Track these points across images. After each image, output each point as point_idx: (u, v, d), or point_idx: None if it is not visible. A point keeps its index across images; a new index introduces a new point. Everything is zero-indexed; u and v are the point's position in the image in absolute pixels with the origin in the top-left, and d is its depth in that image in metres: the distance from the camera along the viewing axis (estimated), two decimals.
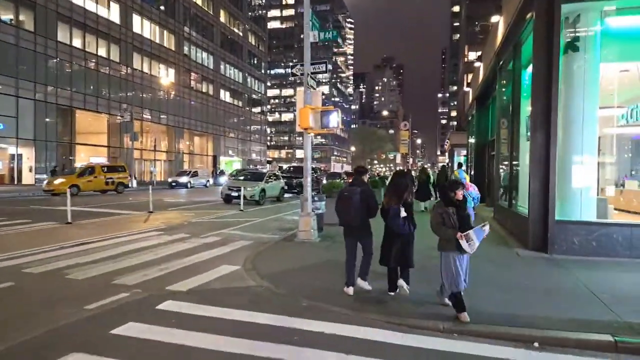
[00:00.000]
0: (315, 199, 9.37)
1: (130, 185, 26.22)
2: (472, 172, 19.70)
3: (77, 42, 32.47)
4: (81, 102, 32.99)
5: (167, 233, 9.80)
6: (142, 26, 39.35)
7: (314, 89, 8.97)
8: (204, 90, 49.77)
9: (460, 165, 14.90)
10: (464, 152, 37.91)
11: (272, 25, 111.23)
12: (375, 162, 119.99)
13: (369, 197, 5.20)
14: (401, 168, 45.09)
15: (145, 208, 14.41)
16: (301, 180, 23.67)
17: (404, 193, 4.98)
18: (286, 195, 22.72)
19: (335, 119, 8.52)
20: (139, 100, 39.06)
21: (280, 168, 32.08)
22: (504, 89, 12.37)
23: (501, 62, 12.15)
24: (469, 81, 48.59)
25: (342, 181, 17.26)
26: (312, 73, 8.97)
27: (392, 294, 5.15)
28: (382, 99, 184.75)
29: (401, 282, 5.05)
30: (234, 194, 16.32)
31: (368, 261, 5.32)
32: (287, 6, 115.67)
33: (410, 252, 5.04)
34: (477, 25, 62.78)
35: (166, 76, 42.28)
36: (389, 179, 6.08)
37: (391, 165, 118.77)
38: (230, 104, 56.17)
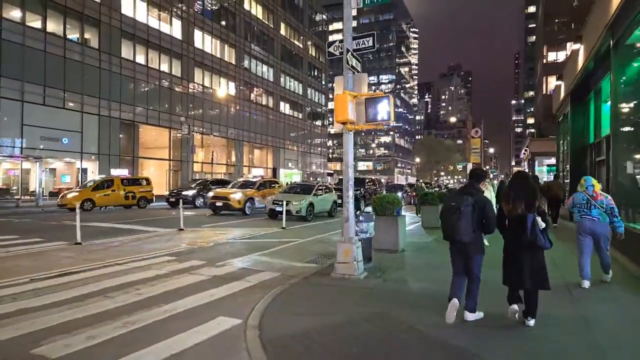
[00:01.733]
0: (361, 218, 7.01)
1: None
2: (568, 183, 16.00)
3: (140, 59, 33.27)
4: (144, 116, 33.62)
5: (179, 259, 7.98)
6: (203, 41, 39.83)
7: (358, 71, 6.69)
8: (263, 102, 49.49)
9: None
10: (548, 160, 33.16)
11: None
12: (442, 173, 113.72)
13: (486, 207, 4.30)
14: (521, 169, 40.78)
15: (178, 224, 12.97)
16: (357, 194, 21.41)
17: (535, 198, 4.18)
18: (340, 209, 20.58)
19: (385, 109, 6.16)
20: (199, 114, 39.34)
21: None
22: (625, 68, 9.16)
23: (618, 37, 8.99)
24: (549, 84, 43.34)
25: (402, 194, 14.68)
26: (354, 50, 6.70)
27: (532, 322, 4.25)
28: (449, 108, 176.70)
29: (530, 321, 4.25)
30: (279, 208, 14.39)
31: (477, 286, 4.43)
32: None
33: (545, 273, 4.23)
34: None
35: (226, 90, 42.39)
36: (510, 180, 4.83)
37: (459, 177, 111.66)
38: (290, 116, 55.48)
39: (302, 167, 58.62)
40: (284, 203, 14.09)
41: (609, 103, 11.49)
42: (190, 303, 5.19)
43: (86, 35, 29.31)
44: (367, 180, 23.90)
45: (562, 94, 17.26)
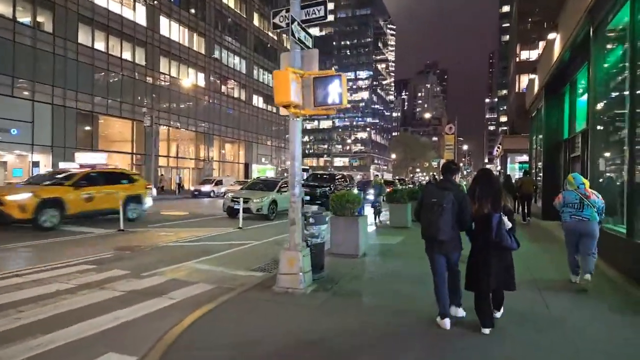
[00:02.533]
0: (311, 220, 5.97)
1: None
2: (541, 179, 15.47)
3: (99, 45, 31.20)
4: (104, 107, 31.59)
5: (99, 268, 6.76)
6: (170, 29, 37.89)
7: (308, 47, 5.64)
8: (235, 95, 47.81)
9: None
10: (521, 157, 33.08)
11: (310, 31, 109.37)
12: (418, 170, 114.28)
13: (463, 203, 4.04)
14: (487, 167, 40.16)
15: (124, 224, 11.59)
16: (326, 190, 20.41)
17: (501, 196, 4.00)
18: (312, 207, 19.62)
19: (336, 91, 5.14)
20: (166, 106, 37.47)
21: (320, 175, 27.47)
22: (605, 57, 8.45)
23: (599, 21, 8.26)
24: (522, 82, 43.49)
25: (373, 191, 13.78)
26: (303, 22, 5.64)
27: (489, 331, 3.99)
28: (425, 105, 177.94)
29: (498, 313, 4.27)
30: (237, 206, 13.22)
31: (458, 280, 4.33)
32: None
33: (512, 274, 4.10)
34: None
35: (195, 81, 40.61)
36: (475, 178, 4.43)
37: (434, 173, 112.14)
38: (263, 110, 54.00)
39: (276, 163, 57.29)
40: (242, 200, 12.90)
41: (585, 96, 10.86)
42: (78, 332, 4.04)
43: (39, 19, 27.14)
44: (337, 177, 22.77)
45: (537, 88, 16.71)
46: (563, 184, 6.73)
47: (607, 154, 8.78)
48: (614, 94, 8.28)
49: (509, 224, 3.93)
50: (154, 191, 29.61)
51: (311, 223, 5.91)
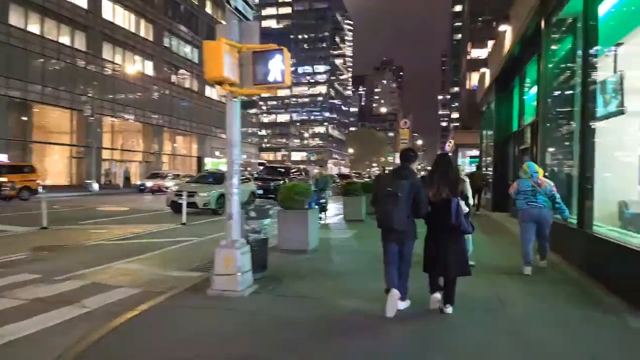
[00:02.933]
0: (252, 214, 5.36)
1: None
2: (492, 172, 15.70)
3: (33, 28, 28.56)
4: (39, 95, 29.01)
5: (4, 272, 5.79)
6: (113, 12, 35.43)
7: (247, 19, 4.99)
8: (187, 86, 45.77)
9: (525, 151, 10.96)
10: (472, 152, 34.03)
11: (267, 23, 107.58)
12: (375, 165, 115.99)
13: (420, 191, 3.95)
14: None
15: (56, 220, 10.35)
16: (279, 183, 19.77)
17: (459, 181, 4.17)
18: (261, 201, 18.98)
19: (278, 67, 4.55)
20: (110, 96, 35.07)
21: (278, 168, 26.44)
22: (555, 48, 8.43)
23: (550, 10, 8.20)
24: (472, 80, 44.77)
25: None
26: None
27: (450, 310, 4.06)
28: (382, 101, 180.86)
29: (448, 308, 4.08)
30: (182, 200, 12.30)
31: (408, 273, 4.20)
32: (284, 4, 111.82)
33: (466, 258, 4.17)
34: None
35: (143, 69, 38.39)
36: (433, 163, 4.38)
37: (384, 167, 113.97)
38: (218, 102, 52.11)
39: None
40: (186, 194, 12.01)
41: (534, 89, 10.96)
42: None
43: None
44: (293, 170, 22.22)
45: (487, 81, 16.95)
46: (517, 172, 6.99)
47: (556, 146, 8.82)
48: (564, 85, 8.28)
49: (465, 209, 4.02)
50: (96, 185, 27.81)
51: (252, 217, 5.30)
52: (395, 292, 3.97)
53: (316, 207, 7.84)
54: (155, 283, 5.49)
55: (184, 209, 11.51)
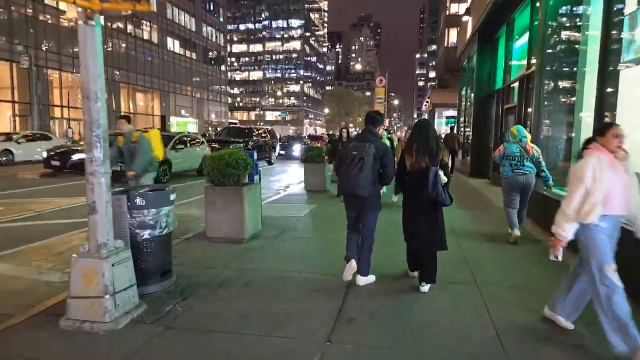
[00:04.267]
0: (139, 201, 3.64)
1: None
2: (470, 135, 14.35)
3: None
4: None
5: None
6: None
7: None
8: (145, 37, 41.94)
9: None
10: (448, 112, 32.68)
11: None
12: (351, 125, 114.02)
13: (386, 155, 3.80)
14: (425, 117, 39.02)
15: None
16: (241, 146, 17.88)
17: (439, 150, 3.78)
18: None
19: None
20: (55, 46, 31.44)
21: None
22: None
23: None
24: (450, 37, 42.72)
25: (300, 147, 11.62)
26: None
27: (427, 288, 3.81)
28: (359, 59, 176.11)
29: (424, 287, 3.80)
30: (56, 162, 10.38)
31: (370, 248, 3.97)
32: None
33: (443, 234, 3.87)
34: None
35: None
36: (412, 129, 4.08)
37: (345, 127, 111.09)
38: (181, 56, 48.49)
39: (198, 116, 52.76)
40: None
41: (524, 38, 9.38)
42: None
43: None
44: (257, 131, 20.17)
45: (469, 32, 15.20)
46: (504, 136, 6.48)
47: (555, 103, 7.38)
48: (571, 27, 6.70)
49: (444, 179, 3.77)
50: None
51: (140, 206, 3.62)
52: (353, 264, 3.89)
53: (258, 183, 6.20)
54: (7, 297, 3.85)
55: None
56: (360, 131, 4.15)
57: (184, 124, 48.64)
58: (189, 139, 13.65)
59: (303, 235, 6.03)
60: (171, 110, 46.35)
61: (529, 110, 8.26)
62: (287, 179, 14.26)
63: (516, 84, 10.01)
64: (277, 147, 22.89)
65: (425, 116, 49.71)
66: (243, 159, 5.57)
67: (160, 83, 44.19)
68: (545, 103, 7.36)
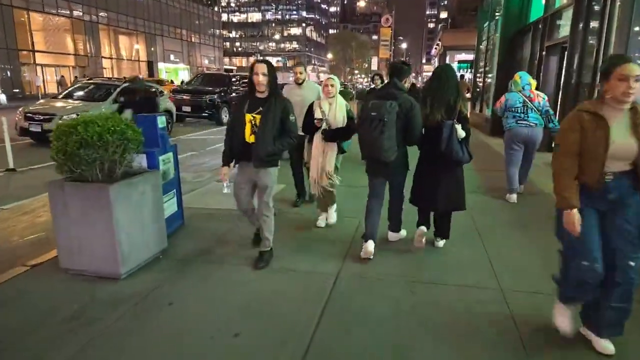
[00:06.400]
0: None
1: None
2: (492, 83, 11.56)
3: None
4: None
5: None
6: None
7: None
8: None
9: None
10: (461, 55, 29.14)
11: None
12: (356, 71, 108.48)
13: (413, 111, 3.35)
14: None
15: None
16: (215, 97, 15.19)
17: (457, 101, 3.36)
18: (190, 120, 14.82)
19: None
20: None
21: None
22: None
23: None
24: None
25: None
26: None
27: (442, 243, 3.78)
28: None
29: (440, 242, 3.78)
30: (34, 128, 8.01)
31: (401, 206, 3.82)
32: None
33: (462, 192, 3.59)
34: None
35: None
36: (430, 78, 3.58)
37: (378, 73, 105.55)
38: None
39: (189, 62, 49.08)
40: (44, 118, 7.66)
41: None
42: None
43: None
44: (235, 78, 16.91)
45: None
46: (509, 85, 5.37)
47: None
48: None
49: (462, 133, 3.33)
50: (4, 97, 22.50)
51: None
52: (370, 244, 3.49)
53: (158, 170, 3.72)
54: None
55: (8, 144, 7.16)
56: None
57: (174, 70, 45.23)
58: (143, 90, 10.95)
59: (244, 254, 3.67)
60: (159, 56, 42.78)
61: (593, 44, 5.58)
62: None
63: (569, 10, 7.16)
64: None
65: (436, 61, 45.65)
66: (120, 132, 3.11)
67: (146, 25, 40.31)
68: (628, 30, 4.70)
